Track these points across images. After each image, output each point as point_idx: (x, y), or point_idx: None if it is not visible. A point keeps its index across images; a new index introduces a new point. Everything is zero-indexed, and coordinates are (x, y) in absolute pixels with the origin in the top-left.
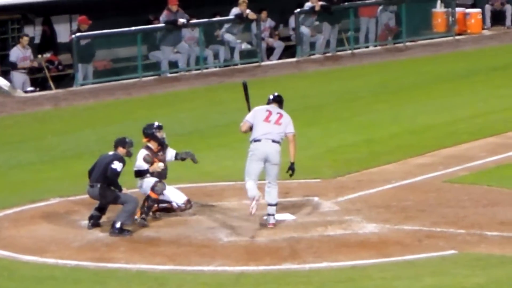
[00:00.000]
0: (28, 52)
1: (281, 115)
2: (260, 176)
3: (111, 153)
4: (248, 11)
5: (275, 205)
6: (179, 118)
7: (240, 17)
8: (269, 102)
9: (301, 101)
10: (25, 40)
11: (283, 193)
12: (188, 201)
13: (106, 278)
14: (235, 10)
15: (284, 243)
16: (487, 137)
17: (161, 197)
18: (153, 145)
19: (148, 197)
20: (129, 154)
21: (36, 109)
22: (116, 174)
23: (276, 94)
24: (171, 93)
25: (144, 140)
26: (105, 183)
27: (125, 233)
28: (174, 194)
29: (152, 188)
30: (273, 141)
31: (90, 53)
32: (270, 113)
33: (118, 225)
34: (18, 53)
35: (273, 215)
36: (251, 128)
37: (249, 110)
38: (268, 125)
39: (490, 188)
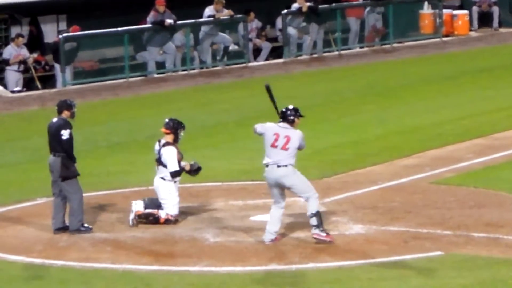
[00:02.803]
0: (23, 51)
1: (288, 139)
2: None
3: (54, 119)
4: (225, 10)
5: (315, 215)
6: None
7: (213, 17)
8: (280, 117)
9: (288, 102)
10: (20, 40)
11: (269, 194)
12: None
13: (92, 278)
14: (208, 11)
15: (270, 244)
16: (473, 139)
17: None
18: (171, 140)
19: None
20: (73, 116)
21: (22, 109)
22: (69, 142)
23: (284, 109)
24: (158, 94)
25: (164, 131)
26: (65, 152)
27: (85, 230)
28: (170, 204)
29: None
30: (278, 166)
31: (71, 54)
32: (278, 137)
33: (76, 228)
34: (11, 51)
35: (315, 225)
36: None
37: (278, 112)
38: (274, 151)
39: (476, 189)
